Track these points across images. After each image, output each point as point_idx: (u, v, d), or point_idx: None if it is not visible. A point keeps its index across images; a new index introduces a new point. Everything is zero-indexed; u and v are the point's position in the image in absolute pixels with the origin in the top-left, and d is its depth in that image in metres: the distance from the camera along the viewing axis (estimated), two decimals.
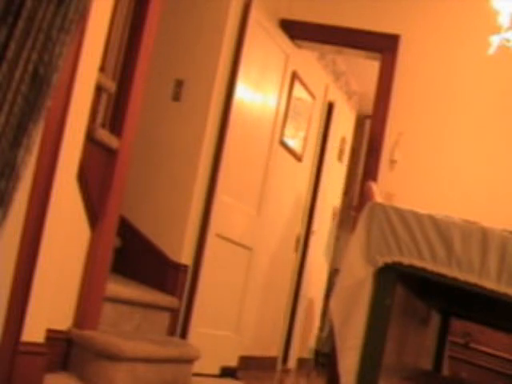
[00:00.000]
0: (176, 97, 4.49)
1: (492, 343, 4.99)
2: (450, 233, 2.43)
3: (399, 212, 2.50)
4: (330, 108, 6.87)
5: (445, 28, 4.89)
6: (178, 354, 3.71)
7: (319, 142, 6.78)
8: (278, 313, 6.37)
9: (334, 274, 7.42)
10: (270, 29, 4.86)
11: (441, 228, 2.44)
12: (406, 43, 4.90)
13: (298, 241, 6.54)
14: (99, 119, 3.30)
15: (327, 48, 5.42)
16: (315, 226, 6.75)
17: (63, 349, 3.22)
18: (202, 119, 4.40)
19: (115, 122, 3.35)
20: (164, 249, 4.35)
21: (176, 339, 4.20)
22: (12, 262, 2.58)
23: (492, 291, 2.37)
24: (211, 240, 4.44)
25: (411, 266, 2.47)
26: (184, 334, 4.30)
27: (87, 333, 3.25)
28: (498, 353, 4.97)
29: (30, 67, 2.21)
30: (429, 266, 2.45)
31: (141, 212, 4.43)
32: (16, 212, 2.42)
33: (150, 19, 3.42)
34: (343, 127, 7.31)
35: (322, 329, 7.69)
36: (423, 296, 3.32)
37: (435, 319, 3.99)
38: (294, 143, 6.06)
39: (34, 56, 2.21)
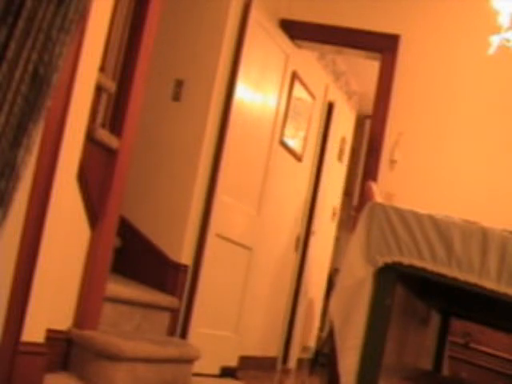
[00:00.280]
0: (176, 97, 4.49)
1: (492, 343, 4.99)
2: (450, 233, 2.43)
3: (399, 212, 2.50)
4: (330, 108, 6.87)
5: (445, 28, 4.89)
6: (178, 354, 3.71)
7: (319, 142, 6.78)
8: (278, 313, 6.36)
9: (334, 273, 7.42)
10: (269, 29, 4.86)
11: (441, 228, 2.44)
12: (406, 43, 4.90)
13: (298, 241, 6.54)
14: (99, 119, 3.30)
15: (327, 48, 5.42)
16: (315, 226, 6.74)
17: (63, 349, 3.22)
18: (202, 119, 4.40)
19: (115, 122, 3.35)
20: (164, 249, 4.35)
21: (176, 339, 4.20)
22: (12, 261, 2.58)
23: (492, 291, 2.37)
24: (211, 240, 4.44)
25: (411, 266, 2.46)
26: (184, 334, 4.30)
27: (87, 333, 3.25)
28: (497, 353, 4.97)
29: (30, 67, 2.21)
30: (429, 266, 2.44)
31: (141, 212, 4.43)
32: (16, 212, 2.42)
33: (150, 19, 3.42)
34: (343, 127, 7.30)
35: (322, 329, 7.69)
36: (423, 296, 3.32)
37: (435, 319, 3.99)
38: (294, 143, 6.06)
39: (34, 56, 2.21)
